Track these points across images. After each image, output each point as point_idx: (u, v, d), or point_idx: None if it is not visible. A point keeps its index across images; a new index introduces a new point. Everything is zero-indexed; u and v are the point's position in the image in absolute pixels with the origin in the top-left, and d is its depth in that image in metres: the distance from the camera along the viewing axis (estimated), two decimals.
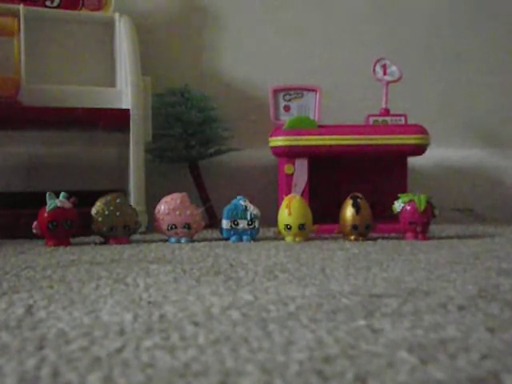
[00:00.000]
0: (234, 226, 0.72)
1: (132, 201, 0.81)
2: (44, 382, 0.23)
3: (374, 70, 0.91)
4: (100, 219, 0.69)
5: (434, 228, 0.83)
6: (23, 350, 0.27)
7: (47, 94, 0.83)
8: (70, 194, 0.69)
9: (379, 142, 0.83)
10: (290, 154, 0.83)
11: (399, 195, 0.74)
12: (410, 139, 0.83)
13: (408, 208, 0.72)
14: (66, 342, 0.28)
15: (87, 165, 0.96)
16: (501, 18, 1.12)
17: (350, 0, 1.08)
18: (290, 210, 0.71)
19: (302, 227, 0.71)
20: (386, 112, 0.90)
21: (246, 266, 0.52)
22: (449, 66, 1.11)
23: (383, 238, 0.74)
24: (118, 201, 0.70)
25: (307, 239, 0.73)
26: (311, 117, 0.88)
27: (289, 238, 0.72)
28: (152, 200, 0.77)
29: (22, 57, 0.82)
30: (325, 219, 0.77)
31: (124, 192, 0.83)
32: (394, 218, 0.75)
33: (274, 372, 0.24)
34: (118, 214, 0.69)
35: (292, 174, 0.84)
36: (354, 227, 0.71)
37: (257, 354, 0.26)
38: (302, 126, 0.83)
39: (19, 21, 0.82)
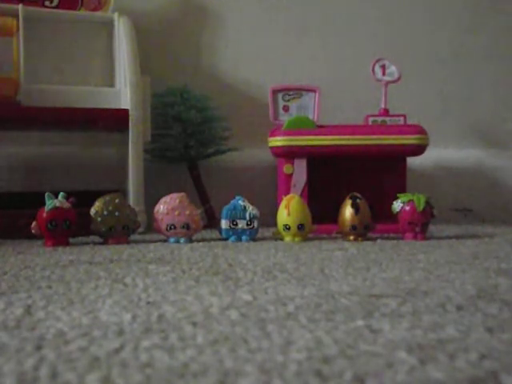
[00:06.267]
0: (233, 226, 0.72)
1: (131, 201, 0.81)
2: (43, 382, 0.23)
3: (373, 70, 0.91)
4: (99, 219, 0.69)
5: (432, 228, 0.83)
6: (22, 350, 0.27)
7: (46, 94, 0.83)
8: (69, 194, 0.69)
9: (378, 142, 0.82)
10: (289, 154, 0.83)
11: (398, 195, 0.74)
12: (409, 139, 0.83)
13: (407, 208, 0.72)
14: (64, 342, 0.28)
15: (86, 165, 0.96)
16: (501, 17, 1.12)
17: (349, 0, 1.08)
18: (289, 210, 0.71)
19: (300, 227, 0.71)
20: (385, 112, 0.90)
21: (245, 266, 0.52)
22: (449, 67, 1.11)
23: (382, 238, 0.74)
24: (116, 201, 0.70)
25: (306, 239, 0.73)
26: (310, 117, 0.88)
27: (288, 238, 0.72)
28: (151, 200, 0.77)
29: (21, 57, 0.82)
30: (324, 219, 0.77)
31: (123, 192, 0.82)
32: (393, 218, 0.75)
33: (273, 372, 0.24)
34: (116, 214, 0.69)
35: (291, 174, 0.84)
36: (353, 227, 0.71)
37: (255, 354, 0.26)
38: (301, 126, 0.83)
39: (18, 21, 0.82)
